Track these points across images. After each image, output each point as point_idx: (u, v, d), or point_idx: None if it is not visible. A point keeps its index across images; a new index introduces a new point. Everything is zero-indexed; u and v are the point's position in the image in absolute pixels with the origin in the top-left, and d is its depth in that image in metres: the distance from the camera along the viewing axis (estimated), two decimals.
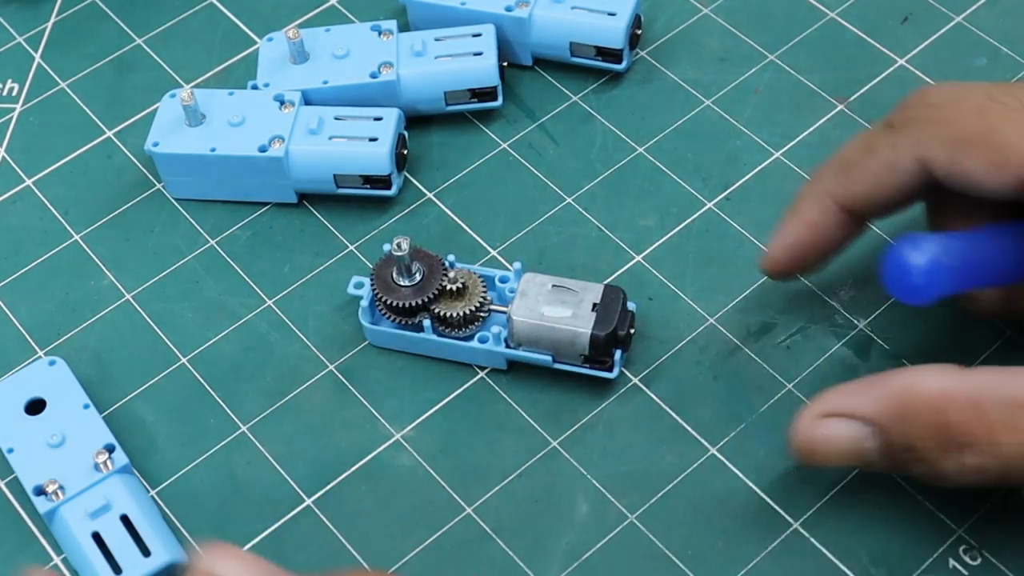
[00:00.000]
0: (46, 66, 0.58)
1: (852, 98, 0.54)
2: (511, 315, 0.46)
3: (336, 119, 0.52)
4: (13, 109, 0.57)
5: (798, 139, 0.53)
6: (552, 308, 0.46)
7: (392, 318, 0.48)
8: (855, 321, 0.48)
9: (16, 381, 0.47)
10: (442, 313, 0.47)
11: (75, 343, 0.50)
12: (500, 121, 0.55)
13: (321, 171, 0.51)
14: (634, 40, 0.55)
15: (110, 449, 0.45)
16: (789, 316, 0.49)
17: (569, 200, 0.52)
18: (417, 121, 0.55)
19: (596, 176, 0.53)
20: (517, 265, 0.48)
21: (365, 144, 0.51)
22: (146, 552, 0.43)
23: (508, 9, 0.54)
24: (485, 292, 0.48)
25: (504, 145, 0.54)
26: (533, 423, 0.47)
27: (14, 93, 0.57)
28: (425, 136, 0.55)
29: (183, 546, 0.44)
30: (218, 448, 0.47)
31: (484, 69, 0.53)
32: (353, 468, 0.46)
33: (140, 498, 0.45)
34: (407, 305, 0.47)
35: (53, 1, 0.60)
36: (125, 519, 0.44)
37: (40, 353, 0.50)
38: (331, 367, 0.49)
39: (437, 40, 0.54)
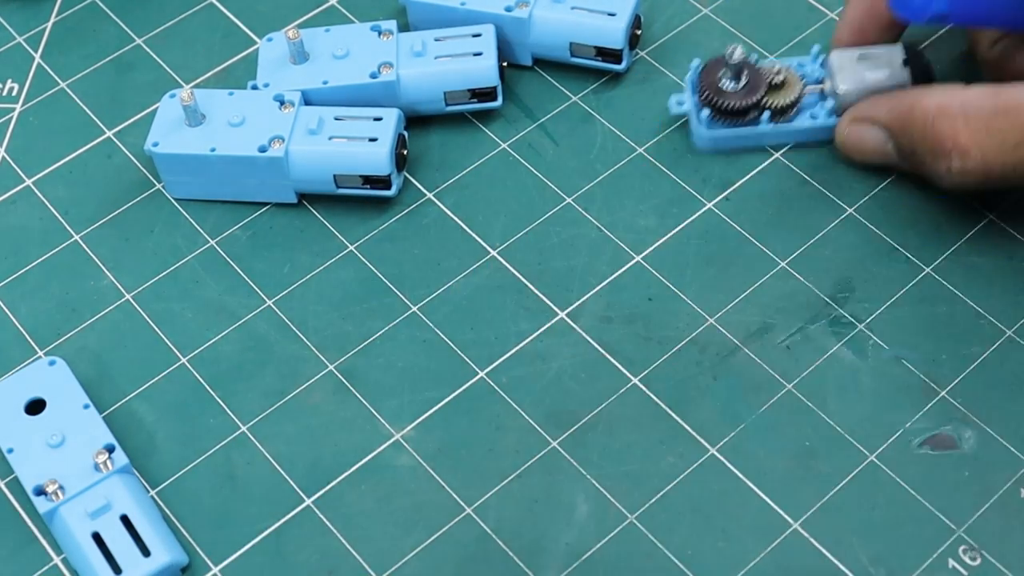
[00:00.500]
0: (46, 66, 0.58)
1: None
2: (837, 89, 0.52)
3: (336, 119, 0.52)
4: (13, 109, 0.57)
5: None
6: (871, 72, 0.52)
7: (723, 120, 0.53)
8: (854, 321, 0.48)
9: (16, 381, 0.47)
10: (774, 104, 0.52)
11: (75, 343, 0.50)
12: (500, 121, 0.55)
13: (321, 171, 0.51)
14: (634, 40, 0.55)
15: (110, 449, 0.45)
16: (788, 316, 0.49)
17: (569, 200, 0.52)
18: (417, 121, 0.55)
19: (596, 176, 0.53)
20: (816, 47, 0.54)
21: (365, 144, 0.51)
22: (146, 552, 0.43)
23: (508, 9, 0.54)
24: (801, 77, 0.53)
25: (504, 145, 0.54)
26: (533, 423, 0.47)
27: (14, 93, 0.57)
28: (425, 136, 0.55)
29: (183, 546, 0.45)
30: (218, 448, 0.47)
31: (484, 69, 0.53)
32: (353, 468, 0.46)
33: (140, 498, 0.45)
34: (742, 105, 0.52)
35: (53, 1, 0.60)
36: (125, 519, 0.44)
37: (40, 353, 0.50)
38: (331, 367, 0.49)
39: (437, 40, 0.54)
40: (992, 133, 0.46)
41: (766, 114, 0.52)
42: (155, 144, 0.52)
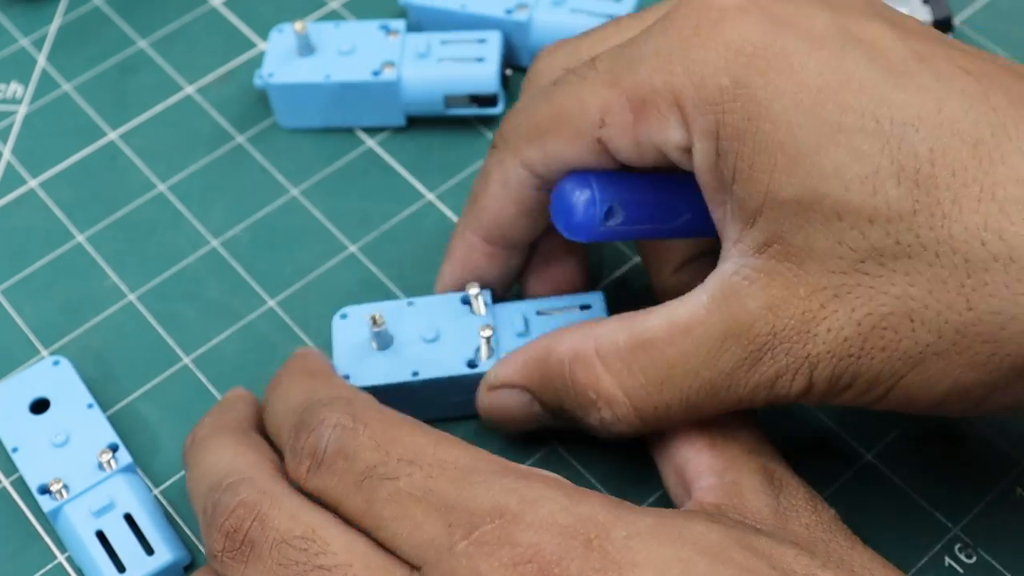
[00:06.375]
0: (50, 68, 0.58)
1: None
2: None
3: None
4: (17, 111, 0.57)
5: None
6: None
7: None
8: None
9: (21, 380, 0.47)
10: None
11: (79, 343, 0.50)
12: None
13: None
14: None
15: (114, 448, 0.45)
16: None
17: None
18: (418, 122, 0.55)
19: None
20: None
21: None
22: (149, 551, 0.43)
23: (508, 12, 0.55)
24: None
25: None
26: None
27: (18, 95, 0.58)
28: (426, 138, 0.55)
29: (186, 545, 0.45)
30: None
31: (485, 76, 0.53)
32: None
33: (143, 497, 0.45)
34: None
35: (57, 3, 0.61)
36: (129, 518, 0.44)
37: (44, 353, 0.50)
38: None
39: (442, 43, 0.54)
40: (633, 373, 0.39)
41: None
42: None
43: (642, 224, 0.43)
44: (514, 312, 0.46)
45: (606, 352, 0.40)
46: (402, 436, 0.38)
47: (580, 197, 0.41)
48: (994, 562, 0.43)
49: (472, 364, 0.45)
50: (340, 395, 0.41)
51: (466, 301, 0.46)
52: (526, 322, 0.46)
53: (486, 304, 0.46)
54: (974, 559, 0.43)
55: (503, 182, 0.44)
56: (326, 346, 0.49)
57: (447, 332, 0.46)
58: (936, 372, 0.36)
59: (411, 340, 0.46)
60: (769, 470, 0.40)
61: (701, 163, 0.38)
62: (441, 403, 0.44)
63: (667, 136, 0.39)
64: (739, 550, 0.35)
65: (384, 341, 0.45)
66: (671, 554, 0.35)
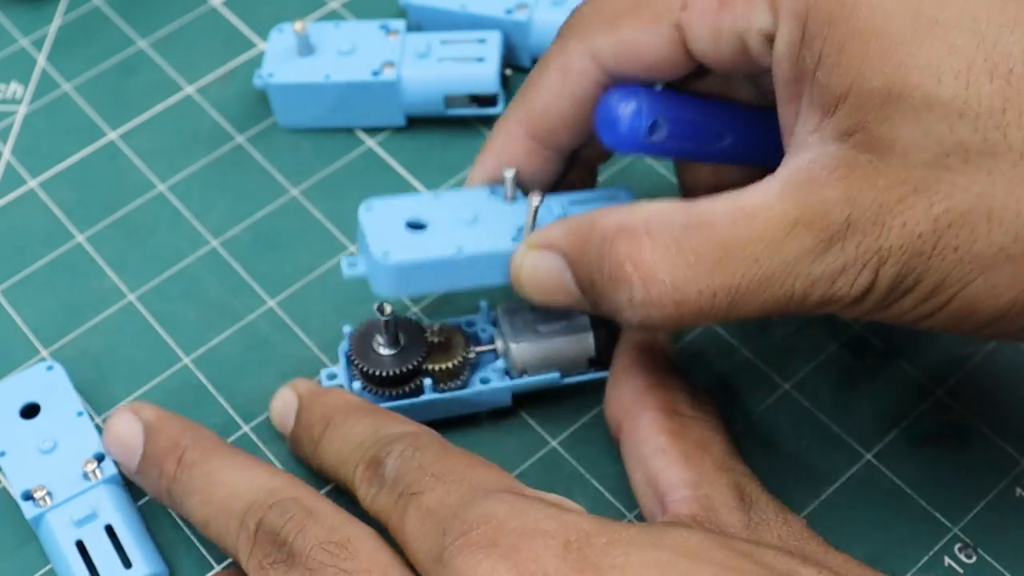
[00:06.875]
0: (50, 68, 0.58)
1: None
2: (509, 344, 0.46)
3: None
4: (17, 111, 0.57)
5: None
6: (545, 324, 0.46)
7: (380, 392, 0.46)
8: (851, 322, 0.48)
9: (12, 384, 0.47)
10: (434, 368, 0.45)
11: (78, 343, 0.50)
12: None
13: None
14: None
15: (99, 458, 0.45)
16: (786, 317, 0.49)
17: None
18: (418, 122, 0.55)
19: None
20: (483, 303, 0.48)
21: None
22: (127, 564, 0.43)
23: (508, 12, 0.55)
24: (466, 338, 0.46)
25: None
26: (533, 423, 0.47)
27: (18, 95, 0.58)
28: (426, 138, 0.55)
29: (165, 559, 0.44)
30: None
31: (485, 76, 0.53)
32: None
33: (126, 510, 0.44)
34: (399, 371, 0.45)
35: (57, 3, 0.61)
36: (110, 529, 0.44)
37: (44, 353, 0.50)
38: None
39: (442, 43, 0.54)
40: (683, 252, 0.37)
41: (428, 380, 0.46)
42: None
43: (684, 142, 0.42)
44: (550, 201, 0.45)
45: (657, 227, 0.38)
46: (443, 460, 0.39)
47: (626, 108, 0.41)
48: (994, 562, 0.43)
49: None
50: (408, 431, 0.41)
51: (495, 192, 0.45)
52: (564, 210, 0.45)
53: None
54: (974, 559, 0.43)
55: (563, 70, 0.43)
56: (327, 346, 0.49)
57: (485, 215, 0.44)
58: (1005, 278, 0.35)
59: (448, 223, 0.44)
60: (739, 486, 0.41)
61: (782, 50, 0.38)
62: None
63: (751, 20, 0.38)
64: (720, 550, 0.35)
65: (419, 223, 0.44)
66: (651, 557, 0.35)
